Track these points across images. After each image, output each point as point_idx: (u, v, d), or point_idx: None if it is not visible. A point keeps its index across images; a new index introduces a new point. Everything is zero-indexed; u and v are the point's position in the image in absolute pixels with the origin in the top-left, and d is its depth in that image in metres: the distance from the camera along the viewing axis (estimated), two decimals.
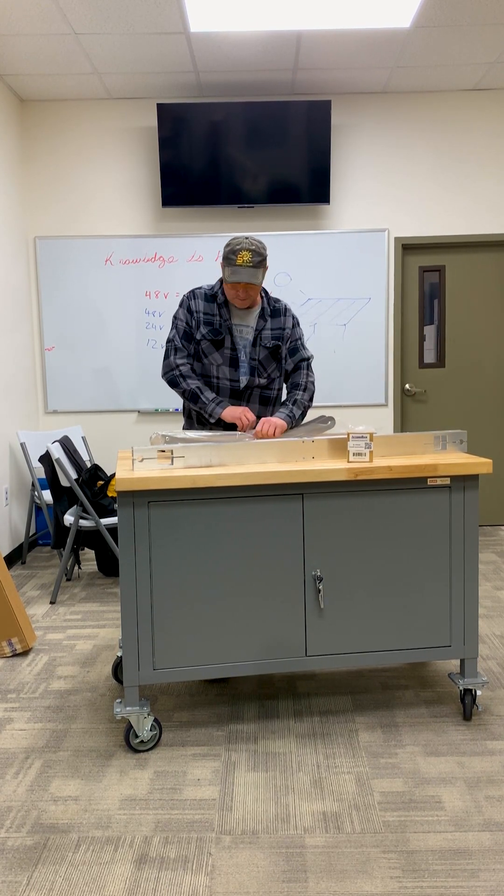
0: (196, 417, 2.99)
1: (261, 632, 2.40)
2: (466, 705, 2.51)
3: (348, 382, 5.03)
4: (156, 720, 2.43)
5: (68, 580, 4.22)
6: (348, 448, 2.43)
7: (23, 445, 4.48)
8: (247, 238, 2.73)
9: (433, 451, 2.59)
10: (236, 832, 1.98)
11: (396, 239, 4.95)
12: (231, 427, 2.89)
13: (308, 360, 3.00)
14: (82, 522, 3.83)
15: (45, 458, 3.92)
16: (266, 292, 2.95)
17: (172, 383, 2.90)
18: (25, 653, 3.20)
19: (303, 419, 2.95)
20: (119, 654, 2.91)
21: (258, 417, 2.97)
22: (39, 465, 4.63)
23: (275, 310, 2.94)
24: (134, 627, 2.33)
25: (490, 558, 4.49)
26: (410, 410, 5.18)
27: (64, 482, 3.86)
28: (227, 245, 2.74)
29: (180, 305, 2.91)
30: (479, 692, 2.54)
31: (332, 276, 4.93)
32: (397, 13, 3.73)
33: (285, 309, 2.97)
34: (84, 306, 4.95)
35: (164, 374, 2.92)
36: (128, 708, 2.34)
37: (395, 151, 4.90)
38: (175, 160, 4.65)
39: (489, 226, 4.97)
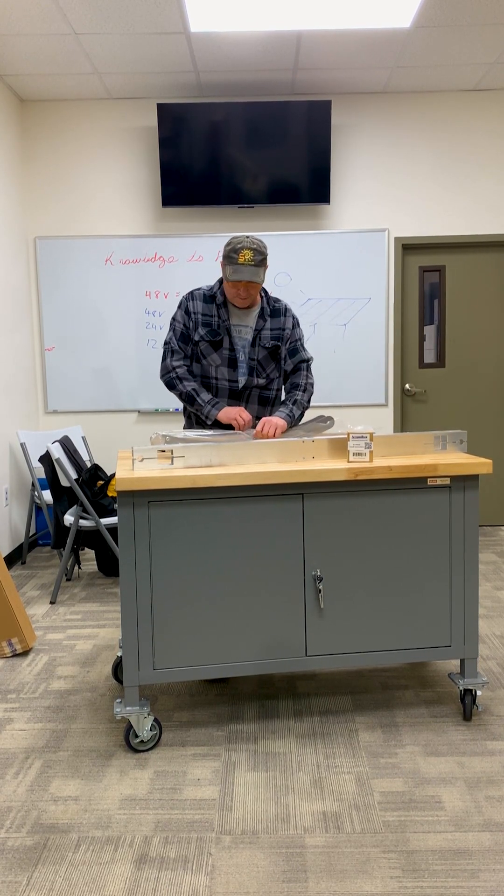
0: (195, 418, 2.99)
1: (261, 632, 2.40)
2: (466, 705, 2.51)
3: (348, 382, 5.03)
4: (156, 720, 2.43)
5: (68, 580, 4.22)
6: (348, 448, 2.43)
7: (23, 445, 4.48)
8: (247, 237, 2.73)
9: (433, 451, 2.59)
10: (236, 832, 1.98)
11: (396, 239, 4.96)
12: (228, 428, 2.89)
13: (308, 361, 2.99)
14: (82, 522, 3.83)
15: (45, 458, 3.92)
16: (266, 292, 2.95)
17: (170, 385, 2.91)
18: (25, 653, 3.19)
19: (301, 420, 2.95)
20: (119, 653, 2.91)
21: (257, 418, 2.97)
22: (39, 465, 4.62)
23: (274, 310, 2.94)
24: (134, 627, 2.33)
25: (490, 558, 4.49)
26: (410, 410, 5.18)
27: (64, 482, 3.86)
28: (228, 244, 2.74)
29: (178, 307, 2.91)
30: (479, 692, 2.54)
31: (332, 276, 4.93)
32: (397, 13, 3.74)
33: (285, 309, 2.96)
34: (84, 306, 4.95)
35: (162, 377, 2.93)
36: (128, 708, 2.34)
37: (395, 151, 4.90)
38: (175, 160, 4.65)
39: (489, 226, 4.97)
